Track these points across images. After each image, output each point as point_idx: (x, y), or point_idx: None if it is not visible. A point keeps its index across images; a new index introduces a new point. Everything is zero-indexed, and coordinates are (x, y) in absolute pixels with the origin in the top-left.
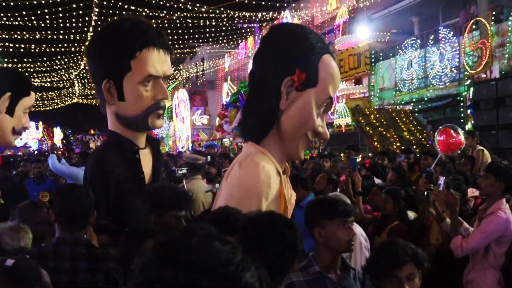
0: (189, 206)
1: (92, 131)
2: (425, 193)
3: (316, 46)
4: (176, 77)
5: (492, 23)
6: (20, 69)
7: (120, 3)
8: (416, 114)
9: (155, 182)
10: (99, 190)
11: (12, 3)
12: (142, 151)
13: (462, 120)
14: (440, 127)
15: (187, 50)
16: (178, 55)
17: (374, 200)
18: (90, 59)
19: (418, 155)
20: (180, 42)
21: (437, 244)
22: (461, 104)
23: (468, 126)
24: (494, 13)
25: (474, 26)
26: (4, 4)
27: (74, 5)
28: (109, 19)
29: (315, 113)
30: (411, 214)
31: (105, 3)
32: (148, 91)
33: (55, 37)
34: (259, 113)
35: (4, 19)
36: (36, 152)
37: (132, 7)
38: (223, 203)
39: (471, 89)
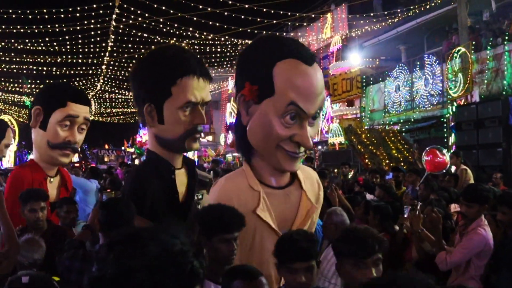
0: (240, 227)
1: (106, 146)
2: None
3: (268, 54)
4: None
5: (472, 51)
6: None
7: (134, 31)
8: (404, 134)
9: (189, 202)
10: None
11: (36, 30)
12: (178, 171)
13: (445, 140)
14: (427, 148)
15: None
16: None
17: (357, 214)
18: (134, 82)
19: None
20: None
21: (416, 257)
22: (445, 125)
23: (451, 142)
24: (474, 42)
25: (456, 54)
26: (29, 31)
27: (92, 32)
28: (123, 45)
29: (278, 123)
30: (397, 227)
31: (120, 31)
32: (187, 116)
33: (74, 60)
34: (236, 132)
35: (29, 44)
36: None
37: (145, 35)
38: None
39: (454, 111)
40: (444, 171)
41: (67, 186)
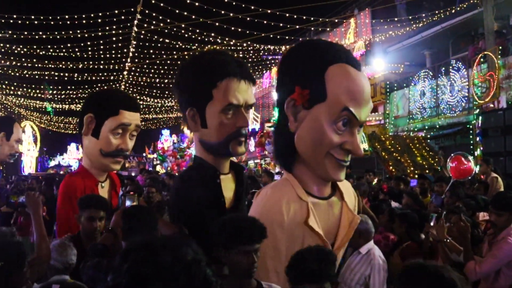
0: (261, 239)
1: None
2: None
3: (319, 58)
4: None
5: (499, 56)
6: (63, 96)
7: (155, 37)
8: (429, 141)
9: (237, 208)
10: (179, 214)
11: (58, 36)
12: (224, 176)
13: (471, 147)
14: (452, 155)
15: None
16: None
17: (382, 222)
18: (176, 88)
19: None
20: None
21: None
22: (471, 131)
23: (477, 152)
24: (500, 47)
25: (482, 60)
26: (51, 37)
27: (114, 38)
28: (145, 51)
29: (330, 129)
30: (423, 236)
31: (142, 36)
32: (229, 119)
33: (96, 66)
34: (278, 139)
35: (51, 50)
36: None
37: (167, 40)
38: None
39: (480, 117)
40: (470, 177)
41: (116, 190)
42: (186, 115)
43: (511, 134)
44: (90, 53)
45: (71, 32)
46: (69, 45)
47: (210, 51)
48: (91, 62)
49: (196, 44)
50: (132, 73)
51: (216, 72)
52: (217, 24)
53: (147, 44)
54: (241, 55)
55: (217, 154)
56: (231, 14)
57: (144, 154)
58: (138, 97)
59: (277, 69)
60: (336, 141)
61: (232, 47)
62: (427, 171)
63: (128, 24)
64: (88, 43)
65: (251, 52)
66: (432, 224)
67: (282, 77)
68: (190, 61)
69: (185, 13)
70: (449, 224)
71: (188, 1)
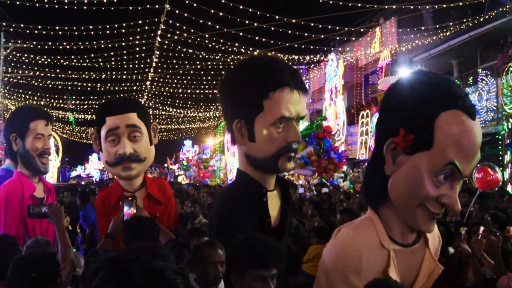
0: (279, 263)
1: None
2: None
3: (432, 101)
4: None
5: None
6: (86, 106)
7: (179, 47)
8: None
9: (282, 226)
10: (219, 232)
11: (82, 47)
12: (270, 193)
13: (500, 158)
14: (478, 165)
15: None
16: None
17: None
18: (222, 96)
19: None
20: None
21: (473, 280)
22: (500, 142)
23: (507, 160)
24: None
25: (511, 69)
26: (74, 47)
27: (137, 48)
28: (168, 61)
29: (429, 182)
30: (452, 250)
31: (165, 46)
32: (280, 132)
33: (119, 77)
34: (370, 175)
35: (74, 60)
36: (97, 181)
37: (190, 50)
38: (320, 268)
39: (510, 128)
40: (496, 188)
41: (152, 196)
42: (232, 126)
43: None
44: (113, 63)
45: (94, 42)
46: (92, 55)
47: (262, 56)
48: (114, 73)
49: (220, 54)
50: (155, 83)
51: (268, 82)
52: (241, 34)
53: (170, 54)
54: None
55: (265, 170)
56: (255, 24)
57: (166, 165)
58: (160, 107)
59: (381, 102)
60: (433, 195)
61: None
62: None
63: (152, 35)
64: (112, 53)
65: None
66: (462, 237)
67: (385, 113)
68: (239, 67)
69: (209, 23)
70: (479, 237)
71: (212, 11)
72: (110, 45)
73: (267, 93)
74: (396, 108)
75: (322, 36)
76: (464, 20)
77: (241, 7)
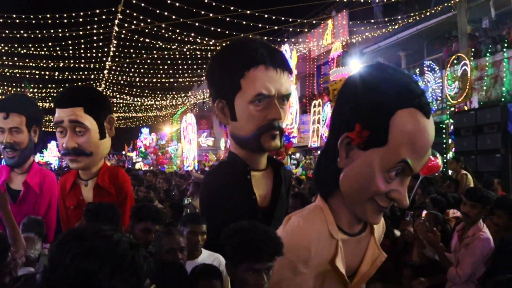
0: (274, 257)
1: None
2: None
3: (389, 99)
4: (185, 102)
5: (472, 58)
6: (44, 94)
7: (136, 36)
8: None
9: (273, 207)
10: (207, 210)
11: (39, 35)
12: (260, 172)
13: (444, 146)
14: None
15: (195, 78)
16: (187, 83)
17: None
18: (207, 80)
19: None
20: (189, 71)
21: (418, 261)
22: (444, 131)
23: (450, 152)
24: (473, 49)
25: (455, 61)
26: (32, 36)
27: (94, 37)
28: (125, 50)
29: (380, 177)
30: (397, 233)
31: (122, 36)
32: (260, 110)
33: (76, 65)
34: (322, 166)
35: (32, 49)
36: (55, 168)
37: (147, 40)
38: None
39: (453, 117)
40: (437, 173)
41: (101, 186)
42: (215, 107)
43: (482, 134)
44: (71, 52)
45: (52, 31)
46: (50, 44)
47: (242, 39)
48: (72, 61)
49: (176, 44)
50: (113, 72)
51: (244, 61)
52: (197, 24)
53: (127, 43)
54: None
55: (249, 148)
56: (211, 15)
57: (123, 152)
58: (118, 96)
59: (339, 93)
60: (384, 190)
61: (212, 47)
62: None
63: (109, 24)
64: (69, 42)
65: None
66: (408, 218)
67: (342, 106)
68: (219, 51)
69: (166, 13)
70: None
71: (168, 1)
72: (67, 34)
73: (243, 72)
74: (354, 102)
75: (276, 28)
76: (412, 14)
77: None
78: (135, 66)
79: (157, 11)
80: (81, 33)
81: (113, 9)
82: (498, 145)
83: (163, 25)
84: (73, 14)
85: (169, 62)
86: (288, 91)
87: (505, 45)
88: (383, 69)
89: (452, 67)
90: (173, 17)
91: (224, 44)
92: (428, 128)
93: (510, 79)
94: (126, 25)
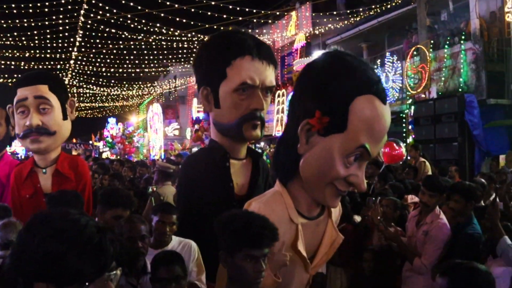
0: (271, 242)
1: (74, 140)
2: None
3: (348, 85)
4: (151, 92)
5: (431, 50)
6: (10, 84)
7: (102, 26)
8: None
9: (249, 197)
10: (184, 194)
11: (4, 25)
12: (239, 161)
13: (404, 134)
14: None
15: (161, 68)
16: (153, 73)
17: None
18: (194, 67)
19: None
20: (155, 61)
21: (378, 245)
22: (404, 120)
23: (410, 139)
24: (432, 41)
25: (415, 53)
26: None
27: (60, 28)
28: (91, 40)
29: (340, 162)
30: (358, 218)
31: (88, 26)
32: (243, 99)
33: (42, 55)
34: (282, 152)
35: None
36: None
37: (113, 30)
38: None
39: (412, 107)
40: (401, 162)
41: (60, 172)
42: (199, 94)
43: (440, 123)
44: (36, 42)
45: (17, 20)
46: (15, 33)
47: (230, 29)
48: (37, 51)
49: (142, 35)
50: (79, 62)
51: (231, 50)
52: (162, 14)
53: (93, 33)
54: (185, 46)
55: (230, 136)
56: (176, 5)
57: (90, 142)
58: (84, 85)
59: (297, 80)
60: (343, 175)
61: (177, 38)
62: None
63: (75, 14)
64: (35, 32)
65: (196, 42)
66: (369, 206)
67: (301, 93)
68: (208, 39)
69: (131, 3)
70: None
71: None
72: (33, 24)
73: (229, 61)
74: (313, 89)
75: (241, 19)
76: (373, 7)
77: None
78: (102, 56)
79: (123, 1)
80: (46, 23)
81: None
82: (455, 134)
83: (129, 16)
84: (39, 4)
85: (135, 52)
86: (272, 83)
87: (463, 37)
88: (342, 57)
89: (412, 58)
90: (139, 7)
91: (212, 34)
92: (385, 114)
93: (467, 70)
94: (92, 15)
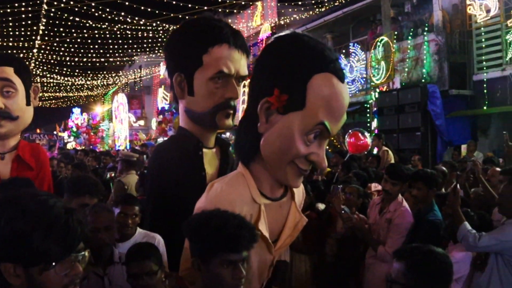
0: (250, 244)
1: (38, 130)
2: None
3: (305, 63)
4: (116, 82)
5: (395, 41)
6: None
7: (66, 15)
8: None
9: None
10: (155, 184)
11: None
12: (209, 150)
13: (368, 124)
14: (350, 131)
15: (126, 58)
16: (118, 63)
17: None
18: (166, 53)
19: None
20: (120, 51)
21: (341, 232)
22: (368, 110)
23: (374, 126)
24: (396, 32)
25: (379, 44)
26: None
27: (23, 15)
28: (55, 29)
29: (300, 140)
30: (321, 206)
31: (52, 14)
32: (218, 88)
33: (5, 44)
34: (244, 132)
35: None
36: None
37: (77, 19)
38: None
39: (376, 97)
40: (366, 152)
41: (22, 159)
42: (172, 81)
43: (403, 113)
44: None
45: None
46: None
47: (204, 16)
48: (0, 39)
49: (106, 23)
50: (42, 51)
51: (209, 38)
52: (127, 3)
53: (57, 22)
54: (150, 35)
55: (203, 125)
56: None
57: (55, 132)
58: (48, 75)
59: (256, 61)
60: (303, 152)
61: (142, 27)
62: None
63: (38, 1)
64: None
65: (161, 32)
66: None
67: (260, 73)
68: (182, 25)
69: None
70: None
71: None
72: None
73: (206, 48)
74: (271, 68)
75: (206, 8)
76: None
77: None
78: (65, 45)
79: None
80: (8, 10)
81: None
82: (418, 124)
83: (93, 4)
84: None
85: (99, 41)
86: (245, 73)
87: (426, 28)
88: (299, 37)
89: (376, 49)
90: None
91: (186, 20)
92: (343, 92)
93: (430, 62)
94: (55, 3)
